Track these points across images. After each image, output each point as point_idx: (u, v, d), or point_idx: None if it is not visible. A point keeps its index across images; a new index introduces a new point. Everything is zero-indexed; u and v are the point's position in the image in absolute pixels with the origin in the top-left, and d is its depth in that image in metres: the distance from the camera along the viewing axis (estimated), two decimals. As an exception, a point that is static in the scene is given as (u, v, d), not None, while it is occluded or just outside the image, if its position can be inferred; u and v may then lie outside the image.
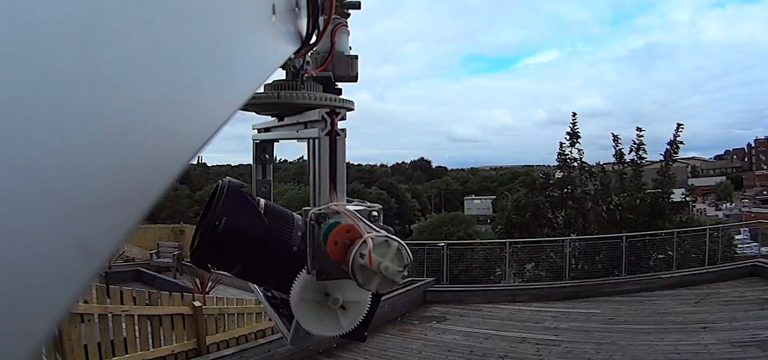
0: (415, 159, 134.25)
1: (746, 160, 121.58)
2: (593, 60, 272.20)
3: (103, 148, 0.34)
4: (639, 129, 21.35)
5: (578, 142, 21.46)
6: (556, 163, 22.33)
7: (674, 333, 10.41)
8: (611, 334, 10.88)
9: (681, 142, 20.71)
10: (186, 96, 0.47)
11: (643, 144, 21.11)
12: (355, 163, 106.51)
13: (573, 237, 18.58)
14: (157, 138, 0.42)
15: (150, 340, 7.77)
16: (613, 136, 21.52)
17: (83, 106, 0.32)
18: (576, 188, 21.44)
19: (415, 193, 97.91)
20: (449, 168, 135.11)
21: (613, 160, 21.68)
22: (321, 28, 1.10)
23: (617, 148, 21.41)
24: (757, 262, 15.68)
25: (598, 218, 20.66)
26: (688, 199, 23.17)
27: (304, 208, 1.11)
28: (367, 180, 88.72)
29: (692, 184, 26.25)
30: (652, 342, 10.00)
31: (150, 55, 0.39)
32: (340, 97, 1.26)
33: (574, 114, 21.86)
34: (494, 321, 12.74)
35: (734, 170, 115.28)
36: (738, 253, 19.36)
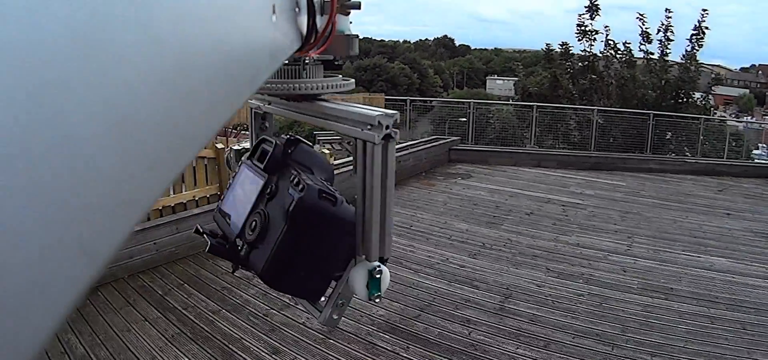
0: (439, 36, 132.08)
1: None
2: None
3: (103, 147, 0.33)
4: (668, 10, 20.81)
5: (598, 15, 21.01)
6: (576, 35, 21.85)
7: (698, 214, 10.56)
8: (636, 206, 11.05)
9: (706, 28, 20.33)
10: (186, 96, 0.47)
11: (671, 26, 20.69)
12: (378, 39, 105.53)
13: (600, 107, 18.55)
14: (158, 137, 0.41)
15: (171, 190, 7.74)
16: (639, 14, 20.98)
17: (84, 105, 0.31)
18: (598, 62, 21.17)
19: (438, 69, 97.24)
20: (473, 47, 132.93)
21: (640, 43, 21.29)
22: (320, 31, 1.06)
23: (643, 28, 20.96)
24: (781, 167, 15.60)
25: (621, 94, 20.52)
26: (711, 92, 22.57)
27: None
28: (390, 55, 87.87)
29: (717, 75, 25.29)
30: (677, 218, 10.18)
31: (151, 55, 0.39)
32: (342, 81, 1.26)
33: None
34: (520, 181, 12.90)
35: (758, 86, 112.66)
36: (754, 168, 19.52)
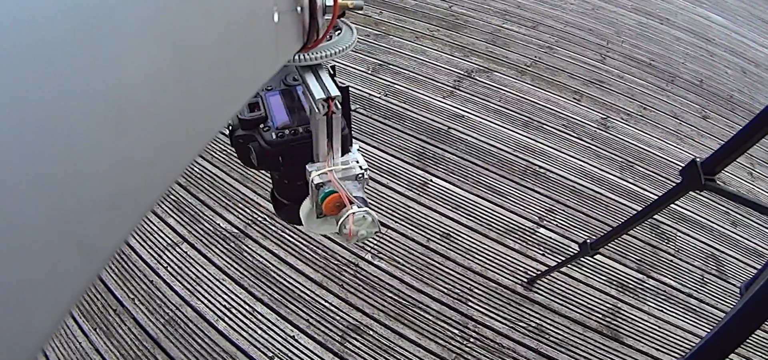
0: None
1: None
2: None
3: (102, 147, 0.32)
4: None
5: None
6: None
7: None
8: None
9: None
10: (188, 96, 0.44)
11: None
12: None
13: None
14: (161, 136, 0.39)
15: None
16: None
17: (83, 103, 0.30)
18: None
19: None
20: None
21: None
22: (320, 34, 0.89)
23: None
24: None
25: None
26: None
27: (308, 169, 1.02)
28: None
29: None
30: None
31: (154, 55, 0.37)
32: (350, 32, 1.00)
33: None
34: None
35: None
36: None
